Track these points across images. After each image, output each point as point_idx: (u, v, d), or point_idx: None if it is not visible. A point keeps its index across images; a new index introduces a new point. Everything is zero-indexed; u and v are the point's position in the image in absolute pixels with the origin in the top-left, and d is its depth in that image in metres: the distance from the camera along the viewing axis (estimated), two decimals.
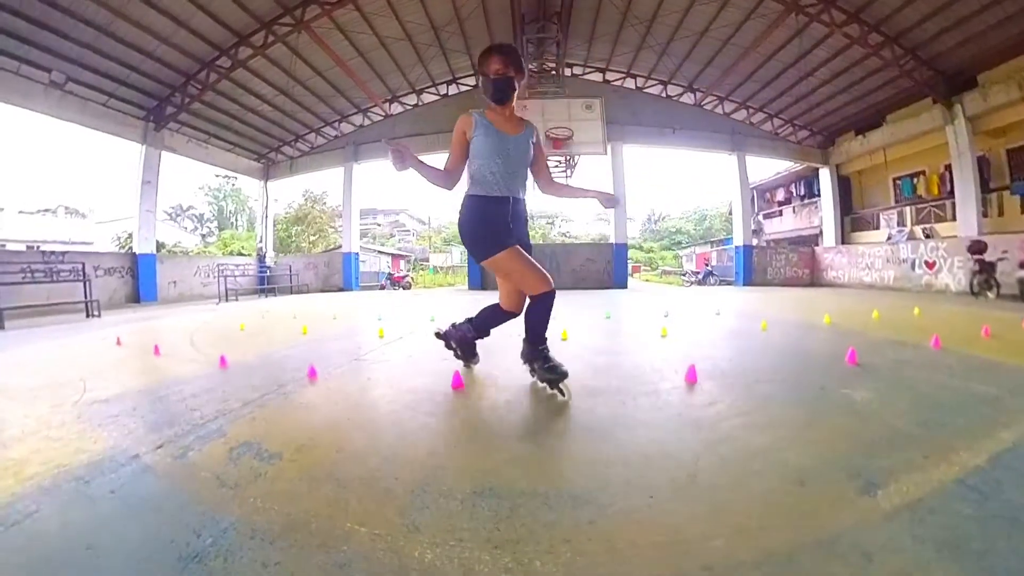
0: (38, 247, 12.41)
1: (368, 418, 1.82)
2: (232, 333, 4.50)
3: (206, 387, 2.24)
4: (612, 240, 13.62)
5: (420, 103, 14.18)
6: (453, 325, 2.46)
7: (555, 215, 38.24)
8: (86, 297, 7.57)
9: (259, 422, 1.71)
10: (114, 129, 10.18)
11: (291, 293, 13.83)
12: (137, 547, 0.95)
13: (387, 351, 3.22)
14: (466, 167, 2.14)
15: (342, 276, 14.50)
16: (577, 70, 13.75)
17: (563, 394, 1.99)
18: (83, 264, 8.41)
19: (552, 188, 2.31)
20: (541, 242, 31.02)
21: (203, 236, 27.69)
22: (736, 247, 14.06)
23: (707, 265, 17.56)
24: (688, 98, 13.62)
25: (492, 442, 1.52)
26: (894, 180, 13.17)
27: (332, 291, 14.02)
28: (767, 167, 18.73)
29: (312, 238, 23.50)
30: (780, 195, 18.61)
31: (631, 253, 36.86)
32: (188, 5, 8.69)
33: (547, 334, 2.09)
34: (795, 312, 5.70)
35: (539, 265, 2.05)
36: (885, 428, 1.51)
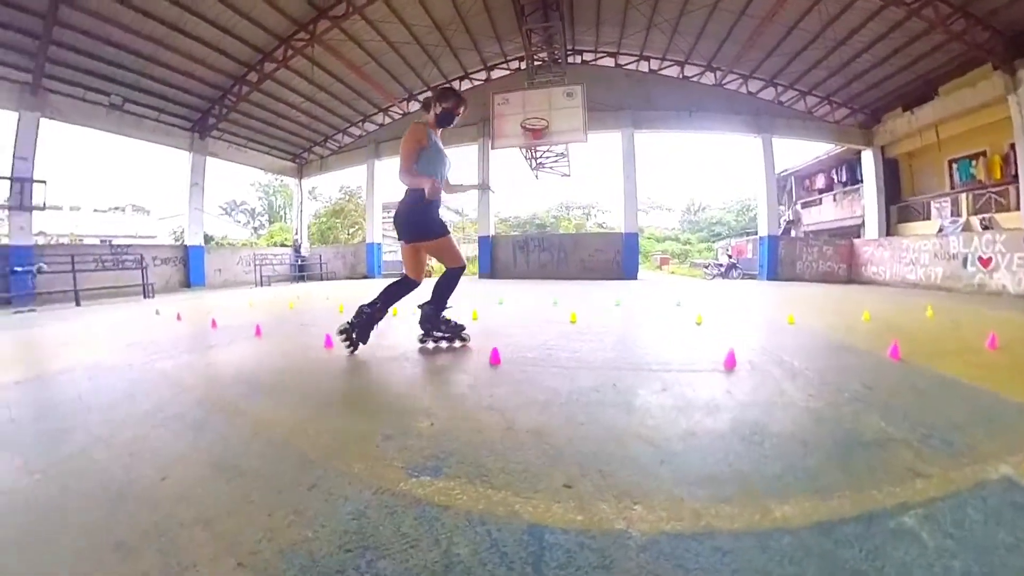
0: (110, 241, 14.91)
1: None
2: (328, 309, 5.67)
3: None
4: (622, 230, 13.33)
5: None
6: (359, 315, 2.75)
7: (591, 205, 36.98)
8: (143, 281, 9.26)
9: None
10: (165, 140, 11.96)
11: (321, 280, 15.28)
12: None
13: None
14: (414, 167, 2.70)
15: (366, 264, 15.70)
16: (588, 56, 13.45)
17: (466, 340, 2.89)
18: (142, 255, 10.16)
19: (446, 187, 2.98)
20: (560, 231, 30.42)
21: (255, 229, 30.92)
22: (760, 238, 13.06)
23: (730, 257, 16.42)
24: (708, 78, 12.79)
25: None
26: (949, 163, 11.42)
27: (357, 278, 15.25)
28: (807, 151, 16.90)
29: (351, 229, 25.37)
30: (820, 182, 16.74)
31: (666, 245, 35.15)
32: (216, 32, 9.96)
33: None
34: (770, 308, 5.40)
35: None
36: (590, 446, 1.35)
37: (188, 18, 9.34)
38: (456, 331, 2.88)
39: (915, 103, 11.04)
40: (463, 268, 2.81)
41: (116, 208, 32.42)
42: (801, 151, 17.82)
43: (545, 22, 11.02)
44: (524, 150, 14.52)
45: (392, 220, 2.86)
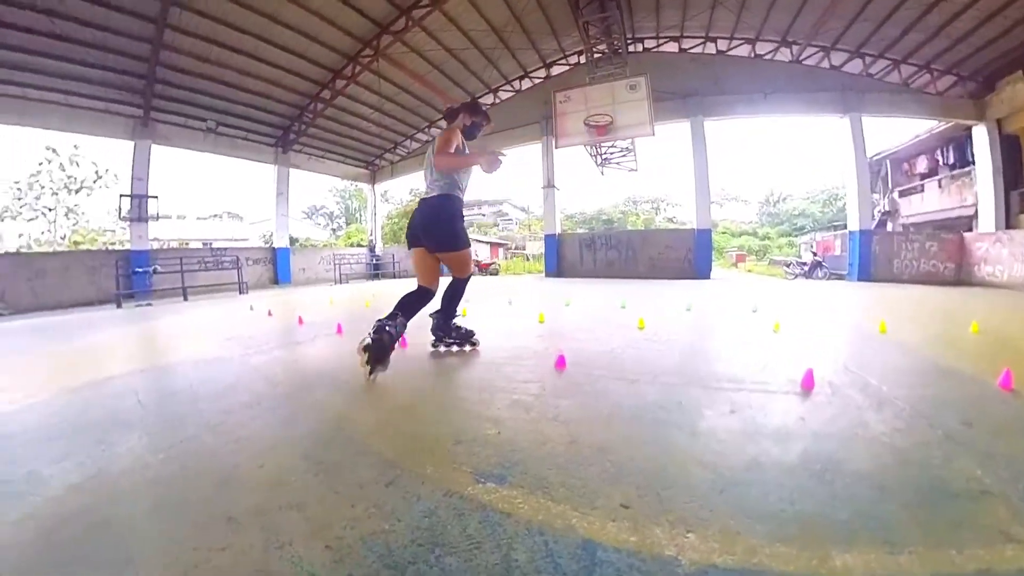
0: (210, 244, 16.98)
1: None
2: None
3: None
4: (694, 225, 12.63)
5: (497, 100, 14.92)
6: (385, 330, 2.41)
7: (660, 199, 35.24)
8: (239, 279, 10.50)
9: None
10: (253, 156, 13.48)
11: (394, 277, 16.17)
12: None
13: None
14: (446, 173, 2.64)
15: None
16: (650, 43, 12.95)
17: (476, 345, 2.97)
18: (237, 256, 11.46)
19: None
20: (627, 227, 29.08)
21: (333, 231, 33.63)
22: (850, 232, 11.58)
23: (814, 254, 14.83)
24: (784, 54, 11.73)
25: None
26: None
27: None
28: (904, 130, 14.74)
29: None
30: (922, 165, 14.52)
31: (742, 240, 32.82)
32: (291, 57, 11.00)
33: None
34: (859, 314, 4.90)
35: None
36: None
37: (265, 47, 10.48)
38: (466, 337, 2.96)
39: None
40: (469, 278, 2.91)
41: (215, 216, 37.45)
42: (897, 130, 15.80)
43: (602, 13, 10.72)
44: (589, 147, 14.28)
45: (408, 228, 2.75)
